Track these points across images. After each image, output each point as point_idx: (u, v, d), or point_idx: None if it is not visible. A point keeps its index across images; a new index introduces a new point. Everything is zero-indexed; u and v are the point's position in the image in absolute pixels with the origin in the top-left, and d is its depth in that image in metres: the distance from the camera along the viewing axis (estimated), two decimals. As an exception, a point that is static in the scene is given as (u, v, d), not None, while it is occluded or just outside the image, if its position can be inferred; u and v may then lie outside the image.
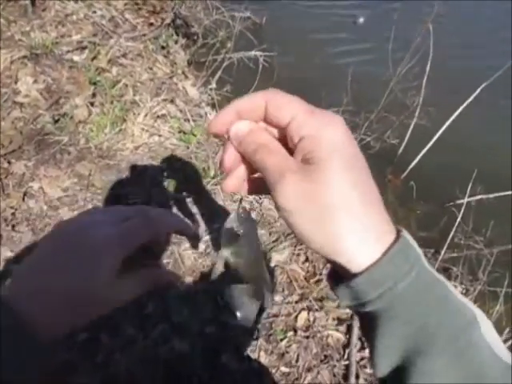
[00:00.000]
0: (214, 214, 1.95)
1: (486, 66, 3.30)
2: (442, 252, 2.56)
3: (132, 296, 0.47)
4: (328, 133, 0.35)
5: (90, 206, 1.95)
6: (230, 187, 0.41)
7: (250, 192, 0.42)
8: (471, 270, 2.70)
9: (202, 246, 1.90)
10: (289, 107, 0.36)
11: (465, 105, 2.90)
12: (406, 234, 0.36)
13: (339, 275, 0.37)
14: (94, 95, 2.30)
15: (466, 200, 2.57)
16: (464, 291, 2.68)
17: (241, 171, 0.40)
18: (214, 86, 3.11)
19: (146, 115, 2.21)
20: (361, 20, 3.77)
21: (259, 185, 0.42)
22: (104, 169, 2.08)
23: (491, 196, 2.80)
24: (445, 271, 2.76)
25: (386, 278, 0.34)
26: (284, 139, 0.38)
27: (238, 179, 0.41)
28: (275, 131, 0.39)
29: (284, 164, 0.35)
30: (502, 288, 2.57)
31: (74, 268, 0.43)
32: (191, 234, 0.55)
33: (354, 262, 0.35)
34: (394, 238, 0.35)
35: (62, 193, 1.95)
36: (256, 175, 0.42)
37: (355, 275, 0.34)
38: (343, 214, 0.34)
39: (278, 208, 0.35)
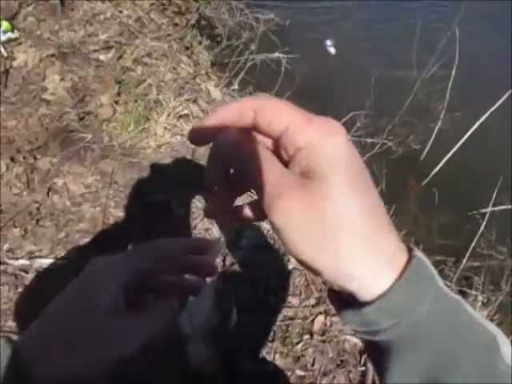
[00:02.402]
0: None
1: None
2: (464, 261, 2.51)
3: (144, 336, 0.44)
4: (328, 143, 0.31)
5: (111, 203, 1.98)
6: (212, 214, 0.38)
7: (237, 219, 0.38)
8: (493, 280, 2.64)
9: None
10: (282, 115, 0.32)
11: (491, 110, 2.84)
12: (418, 252, 0.33)
13: (344, 297, 0.33)
14: (118, 94, 2.34)
15: (489, 209, 2.51)
16: (485, 301, 2.63)
17: (226, 191, 0.37)
18: (236, 87, 3.13)
19: (168, 115, 2.24)
20: (329, 44, 3.64)
21: (249, 209, 0.38)
22: (127, 167, 2.11)
23: (513, 207, 2.73)
24: (466, 280, 2.70)
25: (401, 305, 0.31)
26: (277, 151, 0.33)
27: (221, 202, 0.37)
28: (267, 141, 0.34)
29: (281, 179, 0.31)
30: (525, 299, 2.52)
31: (71, 302, 0.43)
32: (211, 250, 0.50)
33: (364, 290, 0.31)
34: (406, 259, 0.32)
35: (85, 189, 1.99)
36: (244, 200, 0.38)
37: (366, 303, 0.31)
38: (349, 235, 0.30)
39: (275, 229, 0.32)
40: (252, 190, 0.35)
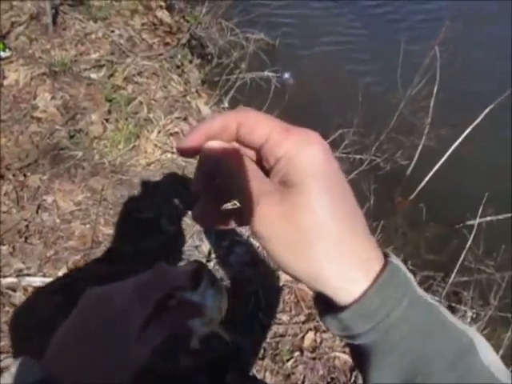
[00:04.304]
0: (224, 232, 1.96)
1: (494, 87, 3.31)
2: (452, 276, 2.54)
3: (152, 346, 0.47)
4: (305, 153, 0.32)
5: (101, 221, 1.98)
6: (199, 218, 0.40)
7: (221, 224, 0.40)
8: (482, 294, 2.66)
9: (210, 264, 1.92)
10: (262, 127, 0.34)
11: (472, 126, 2.92)
12: (393, 258, 0.34)
13: (326, 301, 0.34)
14: (109, 112, 2.36)
15: (476, 221, 2.55)
16: (474, 316, 2.64)
17: (211, 198, 0.38)
18: (226, 105, 3.17)
19: (159, 132, 2.26)
20: (286, 76, 3.72)
21: (232, 215, 0.40)
22: (117, 184, 2.12)
23: (501, 217, 2.78)
24: (455, 295, 2.72)
25: (376, 309, 0.32)
26: (259, 161, 0.35)
27: (207, 208, 0.39)
28: (250, 152, 0.36)
29: (261, 188, 0.33)
30: (513, 313, 2.54)
31: (106, 337, 0.46)
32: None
33: (340, 294, 0.32)
34: (381, 264, 0.33)
35: (75, 207, 1.99)
36: (228, 205, 0.40)
37: (343, 307, 0.32)
38: (324, 241, 0.31)
39: (254, 234, 0.33)
40: (236, 198, 0.36)
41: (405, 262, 2.71)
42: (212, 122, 0.35)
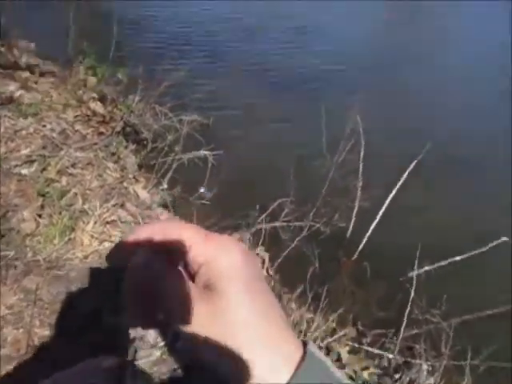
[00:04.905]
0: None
1: (416, 143, 3.63)
2: (402, 330, 2.58)
3: None
4: (224, 258, 0.36)
5: (37, 322, 1.87)
6: (132, 324, 0.41)
7: (150, 325, 0.42)
8: (433, 345, 2.71)
9: (157, 353, 1.84)
10: (185, 236, 0.37)
11: (399, 184, 3.14)
12: (312, 347, 0.36)
13: None
14: (42, 207, 2.31)
15: (415, 274, 2.66)
16: (430, 368, 2.67)
17: (140, 303, 0.40)
18: (165, 186, 3.22)
19: (95, 223, 2.23)
20: (202, 190, 3.95)
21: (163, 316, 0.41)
22: (53, 281, 2.03)
23: (437, 266, 2.92)
24: (408, 350, 2.75)
25: None
26: (186, 266, 0.38)
27: (136, 311, 0.41)
28: (177, 259, 0.39)
29: (187, 294, 0.36)
30: (466, 361, 2.59)
31: None
32: None
33: None
34: (301, 353, 0.35)
35: (7, 310, 1.87)
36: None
37: None
38: (247, 337, 0.34)
39: (183, 334, 0.36)
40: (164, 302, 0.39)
41: (356, 321, 2.74)
42: (141, 231, 0.38)
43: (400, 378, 2.52)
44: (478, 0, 10.65)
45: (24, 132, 2.97)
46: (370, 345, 2.55)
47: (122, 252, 0.38)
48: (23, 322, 1.84)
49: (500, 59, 7.55)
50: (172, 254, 0.39)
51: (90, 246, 2.14)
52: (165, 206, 2.93)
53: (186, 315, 0.35)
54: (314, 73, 5.94)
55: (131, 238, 0.38)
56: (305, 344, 0.37)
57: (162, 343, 1.86)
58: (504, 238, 3.10)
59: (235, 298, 0.35)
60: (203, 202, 3.14)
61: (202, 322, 0.35)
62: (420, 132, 4.62)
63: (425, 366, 2.66)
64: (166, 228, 0.38)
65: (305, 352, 0.35)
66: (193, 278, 0.38)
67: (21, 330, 1.82)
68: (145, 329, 0.43)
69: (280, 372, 0.34)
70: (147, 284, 0.38)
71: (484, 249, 3.12)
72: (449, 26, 9.17)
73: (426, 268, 2.91)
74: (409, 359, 2.65)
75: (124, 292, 0.40)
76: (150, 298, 0.40)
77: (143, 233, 0.38)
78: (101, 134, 3.33)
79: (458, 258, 3.16)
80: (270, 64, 5.99)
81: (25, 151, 2.76)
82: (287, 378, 0.34)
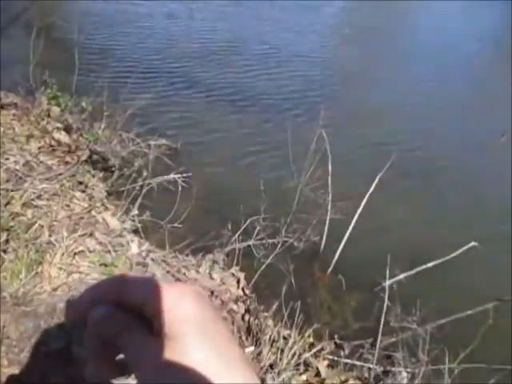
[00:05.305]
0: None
1: (382, 153, 3.73)
2: (378, 339, 2.61)
3: None
4: (179, 308, 0.37)
5: (5, 362, 1.80)
6: (92, 378, 0.42)
7: (111, 375, 0.43)
8: (411, 351, 2.75)
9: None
10: (140, 289, 0.39)
11: (367, 195, 3.20)
12: None
13: None
14: (7, 241, 2.25)
15: (387, 283, 2.70)
16: (410, 376, 2.69)
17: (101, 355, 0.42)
18: (136, 212, 3.18)
19: (62, 254, 2.19)
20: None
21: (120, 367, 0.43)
22: (20, 317, 1.97)
23: (408, 274, 2.98)
24: (387, 358, 2.78)
25: None
26: (144, 317, 0.40)
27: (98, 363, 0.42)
28: (134, 311, 0.40)
29: (146, 345, 0.37)
30: (444, 365, 2.62)
31: None
32: None
33: None
34: None
35: (-28, 352, 1.80)
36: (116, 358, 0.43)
37: None
38: (201, 380, 0.35)
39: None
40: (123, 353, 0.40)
41: (333, 335, 2.75)
42: (97, 288, 0.40)
43: (381, 387, 2.53)
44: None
45: (-15, 167, 2.91)
46: (348, 357, 2.56)
47: (80, 308, 0.39)
48: (-10, 364, 1.77)
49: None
50: (130, 306, 0.40)
51: (58, 278, 2.10)
52: (136, 231, 2.90)
53: (142, 365, 0.36)
54: (278, 94, 6.06)
55: (87, 294, 0.40)
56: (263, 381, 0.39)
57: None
58: (473, 243, 3.20)
59: (191, 340, 0.36)
60: (174, 225, 3.11)
61: (161, 372, 0.36)
62: (385, 144, 4.75)
63: (404, 374, 2.69)
64: (121, 282, 0.40)
65: None
66: (152, 327, 0.39)
67: (-14, 374, 1.75)
68: (107, 379, 0.44)
69: None
70: (107, 336, 0.40)
71: (454, 254, 3.21)
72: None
73: (399, 277, 2.96)
74: (388, 368, 2.67)
75: (85, 345, 0.41)
76: (111, 349, 0.41)
77: (100, 289, 0.40)
78: (67, 163, 3.29)
79: (430, 265, 3.23)
80: (234, 87, 6.09)
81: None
82: None
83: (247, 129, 5.06)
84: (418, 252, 3.47)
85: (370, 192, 3.36)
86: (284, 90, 6.15)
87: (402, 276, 2.90)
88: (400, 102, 6.10)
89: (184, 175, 3.67)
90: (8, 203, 2.57)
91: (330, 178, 3.40)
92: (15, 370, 1.78)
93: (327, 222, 3.33)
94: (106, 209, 2.95)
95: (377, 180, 3.39)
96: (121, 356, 0.43)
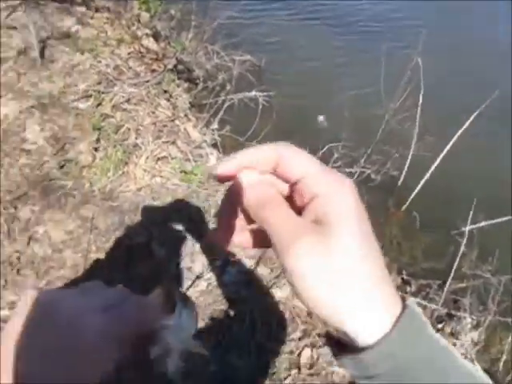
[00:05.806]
0: (215, 252, 1.97)
1: (479, 94, 3.37)
2: (448, 283, 2.53)
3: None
4: (341, 195, 0.34)
5: (93, 248, 1.99)
6: (215, 239, 0.41)
7: (247, 245, 0.41)
8: (480, 300, 2.65)
9: (203, 284, 1.92)
10: (300, 163, 0.36)
11: (459, 133, 2.95)
12: (411, 302, 0.36)
13: (341, 342, 0.36)
14: (98, 140, 2.39)
15: (467, 228, 2.56)
16: (475, 322, 2.63)
17: (237, 222, 0.40)
18: (215, 126, 3.21)
19: (147, 158, 2.29)
20: (321, 119, 3.81)
21: (257, 237, 0.41)
22: (107, 211, 2.13)
23: (492, 222, 2.79)
24: (454, 302, 2.71)
25: (396, 351, 0.33)
26: (290, 196, 0.37)
27: (231, 231, 0.40)
28: (282, 186, 0.38)
29: (295, 225, 0.34)
30: (512, 318, 2.52)
31: (69, 367, 0.42)
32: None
33: (361, 335, 0.34)
34: (400, 307, 0.35)
35: (67, 236, 2.00)
36: (254, 226, 0.41)
37: (364, 348, 0.34)
38: (356, 284, 0.33)
39: (287, 271, 0.34)
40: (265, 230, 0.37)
41: (401, 271, 2.71)
42: (253, 151, 0.37)
43: (442, 328, 2.50)
44: None
45: (81, 67, 3.02)
46: (414, 294, 2.53)
47: (229, 169, 0.37)
48: (81, 247, 1.97)
49: None
50: (281, 178, 0.37)
51: (143, 179, 2.21)
52: (214, 145, 2.94)
53: (293, 249, 0.33)
54: (373, 15, 5.54)
55: (242, 155, 0.37)
56: (403, 298, 0.36)
57: (209, 275, 1.93)
58: None
59: (350, 241, 0.33)
60: (252, 143, 3.10)
61: (310, 262, 0.33)
62: (486, 80, 4.25)
63: (469, 319, 2.62)
64: (281, 152, 0.36)
65: (404, 307, 0.35)
66: (297, 208, 0.36)
67: (79, 255, 1.95)
68: (222, 245, 0.42)
69: (381, 323, 0.34)
70: (248, 206, 0.37)
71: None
72: None
73: (479, 224, 2.78)
74: (453, 312, 2.61)
75: (219, 208, 0.40)
76: (245, 216, 0.40)
77: (257, 154, 0.37)
78: (153, 71, 3.33)
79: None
80: (332, 11, 5.64)
81: (81, 86, 2.82)
82: (387, 329, 0.34)
83: (338, 52, 4.74)
84: (503, 202, 3.21)
85: (459, 132, 3.08)
86: (383, 9, 5.60)
87: (484, 223, 2.72)
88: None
89: (265, 93, 3.59)
90: (99, 104, 2.69)
91: (419, 111, 3.14)
92: (102, 257, 1.96)
93: (409, 157, 3.14)
94: (189, 120, 3.00)
95: (470, 120, 3.08)
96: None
